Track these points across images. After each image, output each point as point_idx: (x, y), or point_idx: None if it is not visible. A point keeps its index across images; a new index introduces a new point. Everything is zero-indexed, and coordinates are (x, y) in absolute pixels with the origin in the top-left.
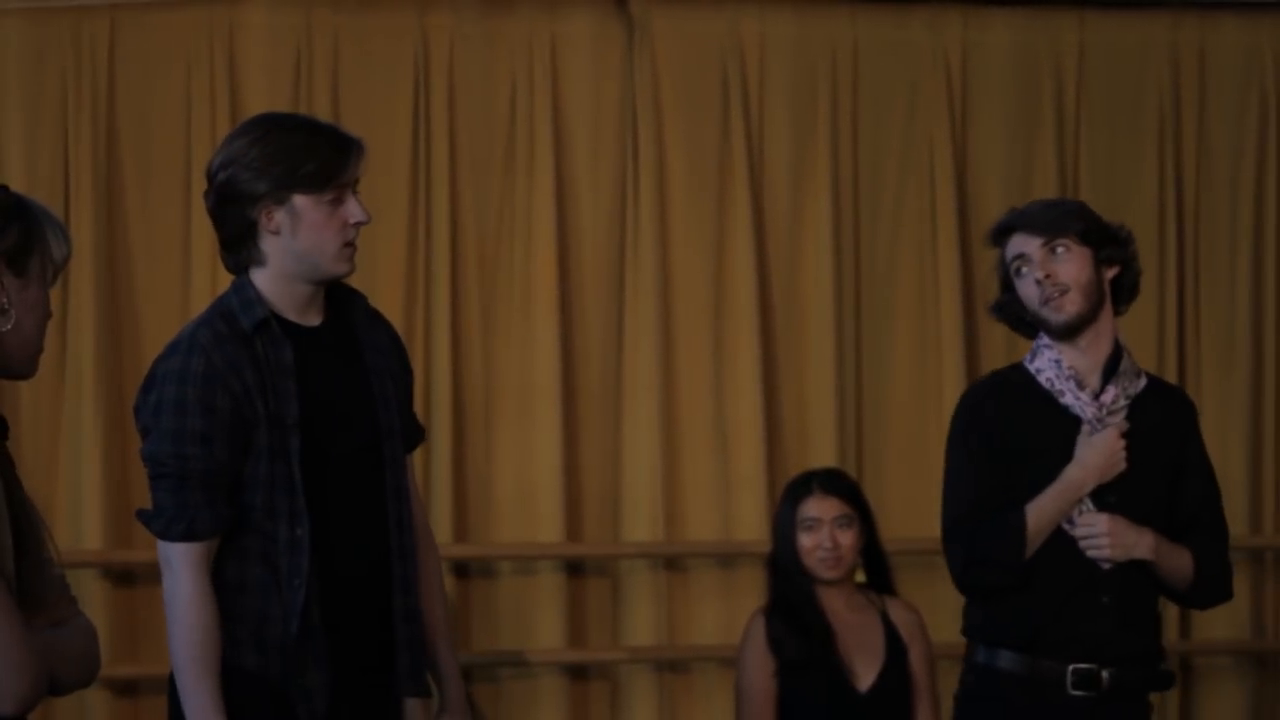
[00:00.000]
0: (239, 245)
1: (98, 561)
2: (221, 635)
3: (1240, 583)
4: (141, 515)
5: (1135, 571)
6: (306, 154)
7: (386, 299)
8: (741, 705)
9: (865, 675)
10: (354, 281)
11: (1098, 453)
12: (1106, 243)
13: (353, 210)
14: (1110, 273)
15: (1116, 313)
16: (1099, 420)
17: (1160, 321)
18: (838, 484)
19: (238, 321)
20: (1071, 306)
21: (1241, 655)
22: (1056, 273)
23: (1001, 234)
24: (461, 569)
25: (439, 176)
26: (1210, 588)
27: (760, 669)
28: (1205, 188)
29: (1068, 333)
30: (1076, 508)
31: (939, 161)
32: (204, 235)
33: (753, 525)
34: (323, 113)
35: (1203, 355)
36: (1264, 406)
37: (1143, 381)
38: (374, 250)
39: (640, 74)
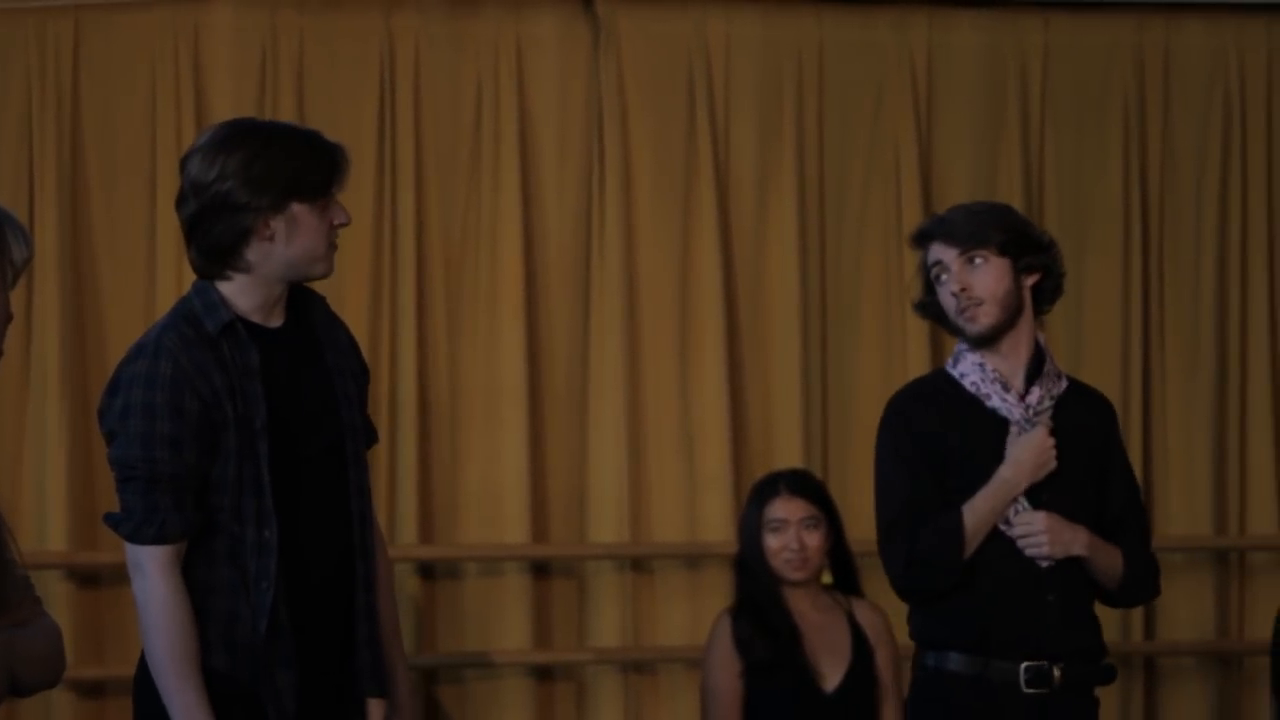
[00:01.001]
0: (225, 253)
1: (62, 563)
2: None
3: (1204, 584)
4: (110, 519)
5: (1073, 569)
6: (307, 164)
7: (352, 300)
8: (708, 706)
9: (831, 676)
10: (318, 281)
11: (1029, 451)
12: (1026, 251)
13: (338, 213)
14: (1030, 280)
15: (1040, 313)
16: (1027, 421)
17: (1125, 322)
18: (804, 485)
19: (202, 325)
20: (986, 319)
21: (1206, 656)
22: (972, 285)
23: (922, 239)
24: (427, 570)
25: (404, 178)
26: (1139, 586)
27: (726, 670)
28: (1170, 188)
29: (983, 342)
30: (1012, 507)
31: (904, 162)
32: (169, 236)
33: (719, 526)
34: (288, 114)
35: (1167, 357)
36: (1228, 407)
37: (1064, 383)
38: (339, 252)
39: (606, 75)
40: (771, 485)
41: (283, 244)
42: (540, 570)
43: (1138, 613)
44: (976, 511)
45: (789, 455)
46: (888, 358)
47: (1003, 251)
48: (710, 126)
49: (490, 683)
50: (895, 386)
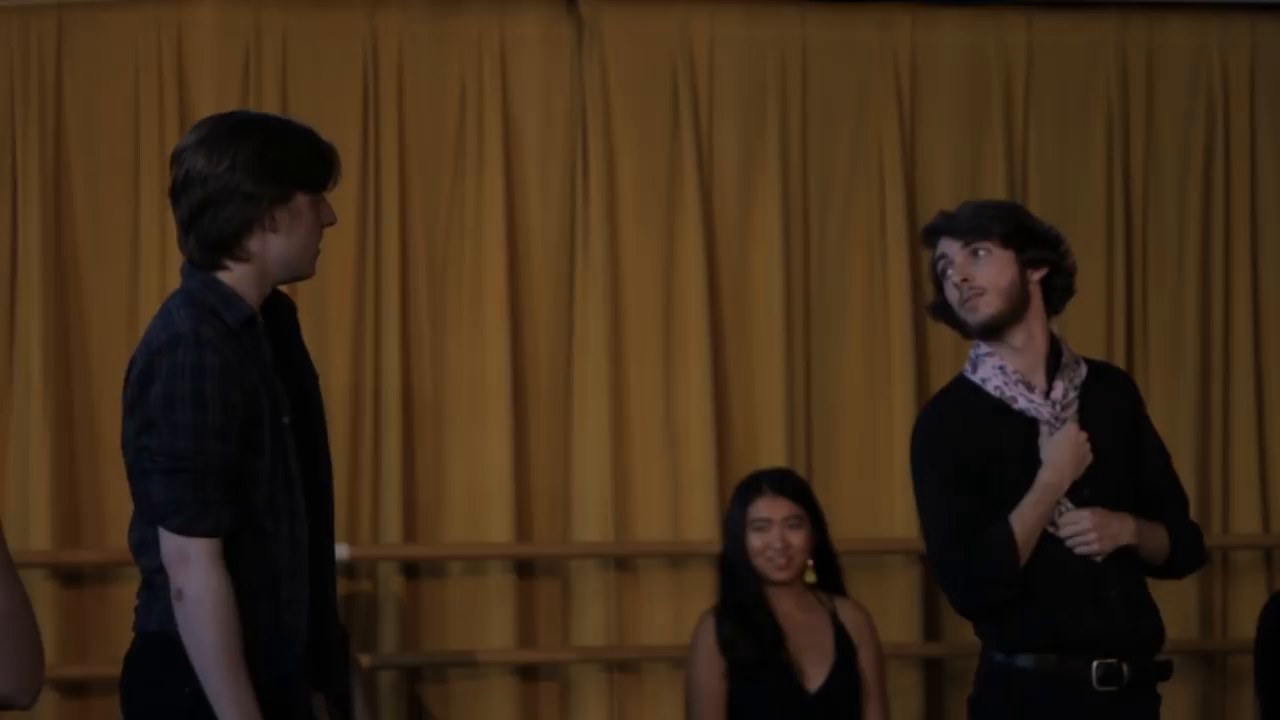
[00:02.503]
0: (227, 243)
1: (46, 562)
2: None
3: (1188, 582)
4: (154, 511)
5: (1127, 559)
6: (311, 157)
7: (336, 299)
8: (691, 705)
9: (815, 675)
10: (303, 282)
11: (1065, 451)
12: (1030, 245)
13: (327, 212)
14: (1036, 274)
15: (1053, 313)
16: (1056, 419)
17: (1108, 321)
18: (788, 485)
19: (222, 318)
20: (986, 308)
21: (1190, 655)
22: (974, 276)
23: (930, 235)
24: (411, 569)
25: (388, 177)
26: (1188, 556)
27: (710, 669)
28: (1153, 187)
29: (986, 333)
30: (1056, 509)
31: (888, 161)
32: (152, 235)
33: (703, 525)
34: (272, 112)
35: (1151, 355)
36: (1212, 405)
37: (1084, 369)
38: (323, 251)
39: (590, 75)
40: (755, 485)
41: (284, 235)
42: (524, 569)
43: None
44: (1025, 520)
45: (772, 455)
46: (871, 357)
47: (1006, 244)
48: (694, 126)
49: (474, 682)
50: (879, 386)
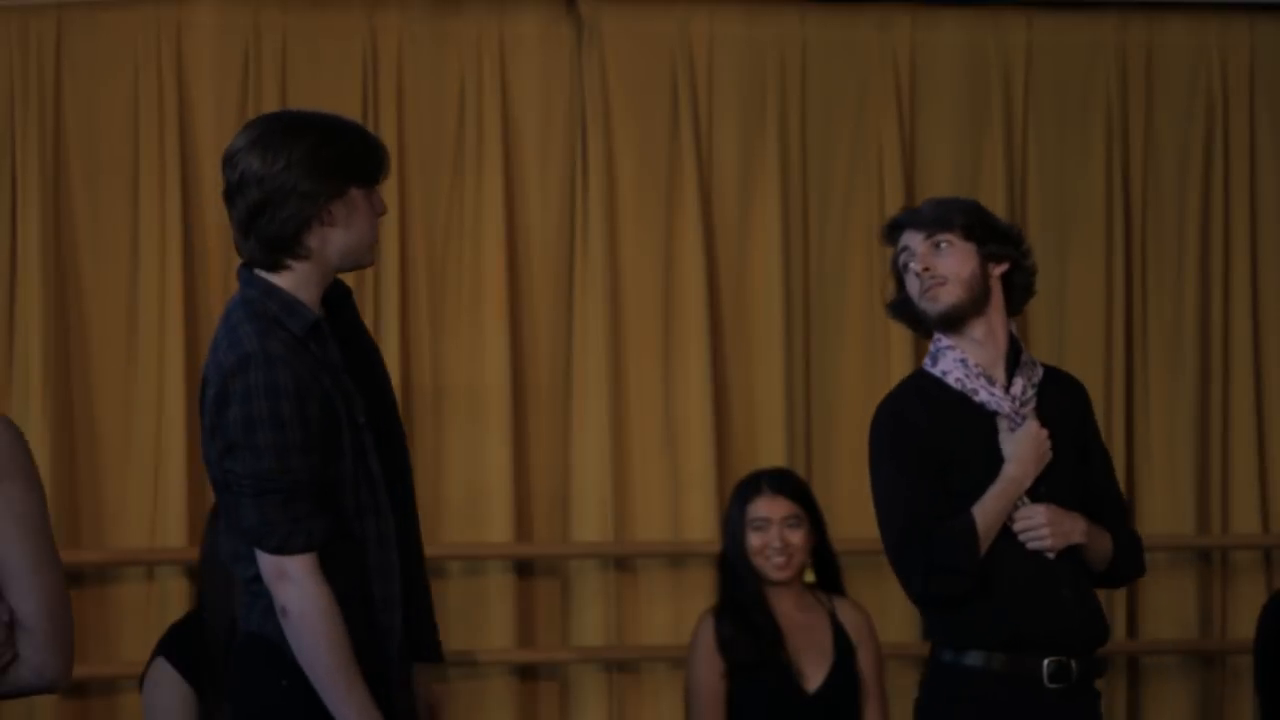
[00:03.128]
0: (287, 241)
1: None
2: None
3: (1187, 582)
4: (248, 535)
5: (1076, 560)
6: (364, 150)
7: None
8: (691, 705)
9: (814, 676)
10: None
11: (1028, 445)
12: (991, 238)
13: (379, 202)
14: (998, 269)
15: (1013, 313)
16: (1016, 414)
17: (1107, 321)
18: (787, 484)
19: (286, 326)
20: (948, 297)
21: (1189, 655)
22: (936, 265)
23: (893, 230)
24: None
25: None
26: (1130, 562)
27: (709, 669)
28: (1153, 187)
29: (946, 324)
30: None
31: (888, 161)
32: (152, 235)
33: (702, 525)
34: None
35: (1150, 355)
36: (1211, 406)
37: (1040, 370)
38: None
39: (589, 74)
40: (754, 484)
41: (343, 229)
42: (523, 569)
43: (1120, 611)
44: (987, 512)
45: (772, 454)
46: (871, 357)
47: (968, 236)
48: (693, 126)
49: (474, 682)
50: (878, 386)
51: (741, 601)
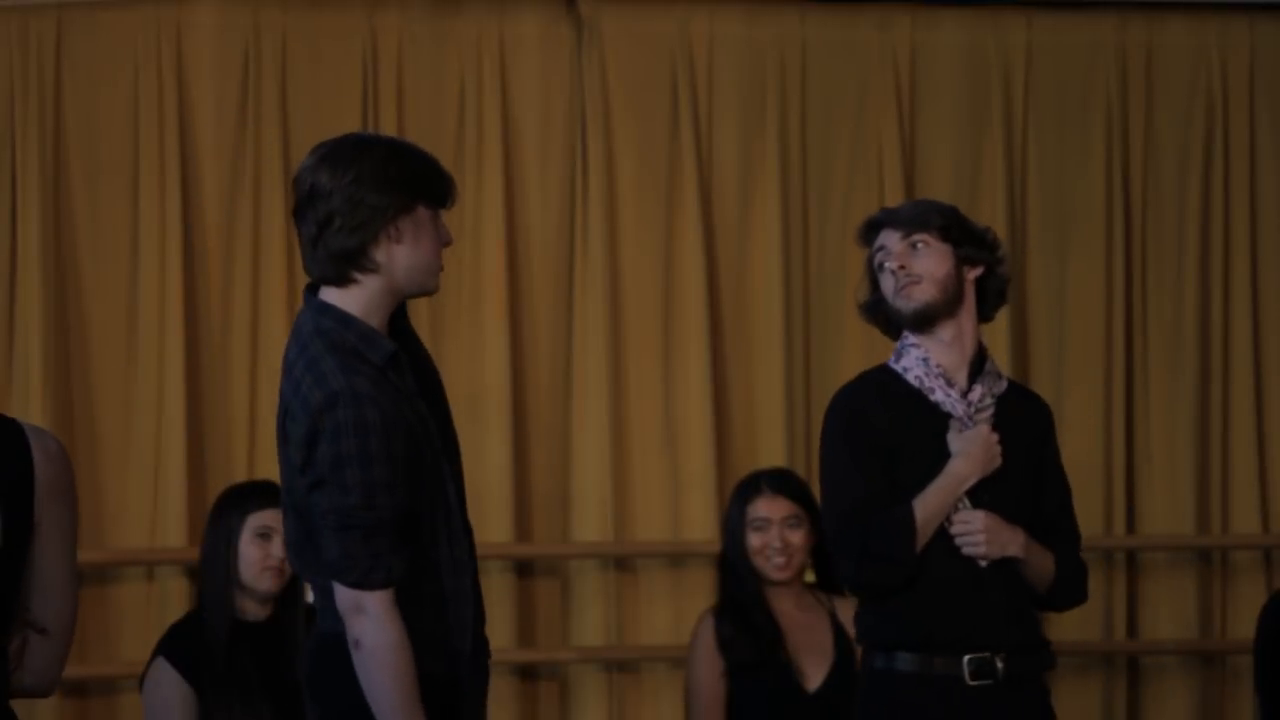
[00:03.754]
0: (354, 254)
1: None
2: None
3: (1187, 582)
4: (328, 568)
5: (1012, 573)
6: (433, 172)
7: None
8: (691, 705)
9: (814, 675)
10: (301, 277)
11: (978, 446)
12: (967, 241)
13: (446, 231)
14: (972, 273)
15: (984, 318)
16: (969, 417)
17: (1107, 321)
18: (787, 484)
19: (366, 359)
20: (921, 295)
21: (1189, 655)
22: (912, 264)
23: (870, 230)
24: None
25: None
26: (1068, 589)
27: (709, 669)
28: (1152, 187)
29: (919, 322)
30: (954, 506)
31: (888, 161)
32: (152, 235)
33: (702, 525)
34: (271, 113)
35: (1150, 356)
36: (1211, 407)
37: (1004, 384)
38: None
39: (589, 75)
40: (754, 484)
41: (409, 246)
42: (523, 569)
43: (1120, 611)
44: (927, 505)
45: (772, 454)
46: (870, 357)
47: (944, 237)
48: (693, 126)
49: None
50: None
51: (741, 601)
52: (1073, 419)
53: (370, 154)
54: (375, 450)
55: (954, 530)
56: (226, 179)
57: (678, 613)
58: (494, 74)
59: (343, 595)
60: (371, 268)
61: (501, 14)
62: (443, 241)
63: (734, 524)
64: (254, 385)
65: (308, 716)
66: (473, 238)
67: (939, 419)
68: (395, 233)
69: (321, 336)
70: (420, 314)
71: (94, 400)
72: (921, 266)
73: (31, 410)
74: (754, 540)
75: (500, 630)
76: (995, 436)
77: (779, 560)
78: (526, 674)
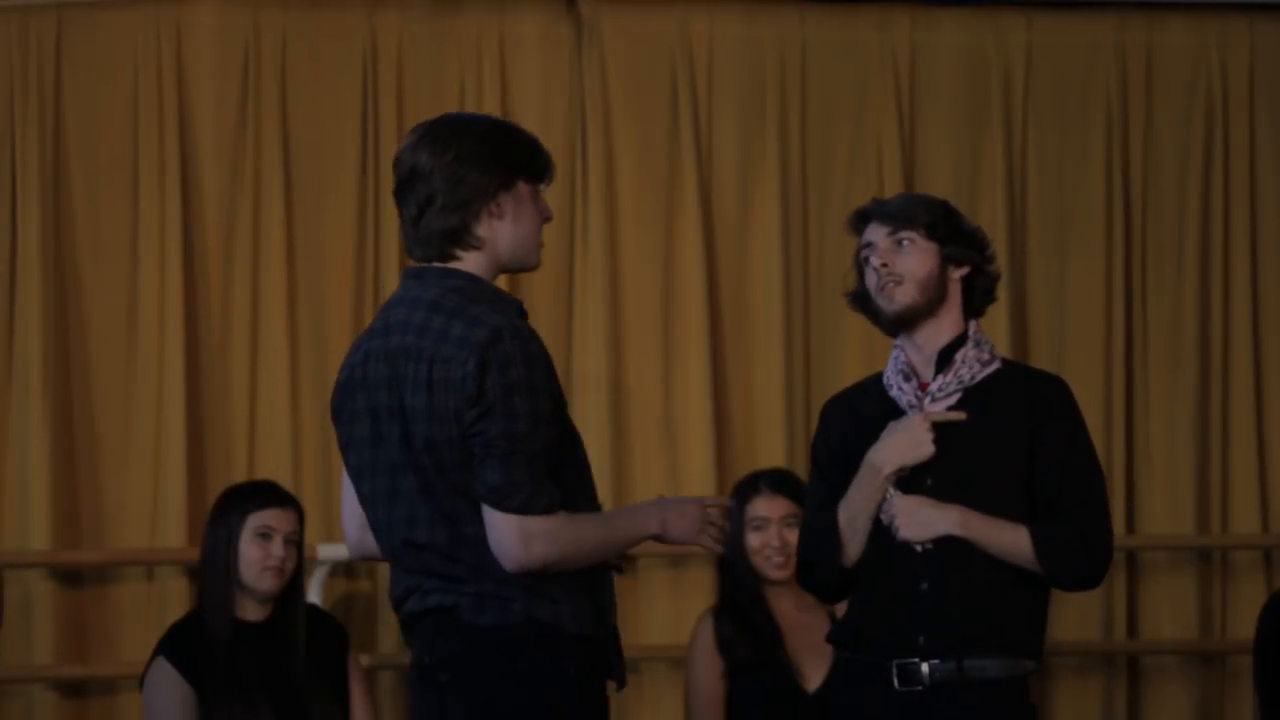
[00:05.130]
0: (458, 230)
1: (45, 562)
2: (564, 608)
3: (1187, 582)
4: (491, 494)
5: (955, 554)
6: (532, 147)
7: (335, 298)
8: (690, 705)
9: (813, 675)
10: (301, 277)
11: (895, 435)
12: (954, 240)
13: (545, 206)
14: (958, 272)
15: (975, 314)
16: (912, 407)
17: (1107, 321)
18: (786, 484)
19: (509, 305)
20: (903, 297)
21: (1189, 655)
22: (895, 263)
23: (860, 220)
24: None
25: (387, 177)
26: (1056, 561)
27: (709, 670)
28: (1152, 188)
29: (898, 324)
30: (884, 494)
31: (887, 161)
32: (152, 235)
33: None
34: (271, 112)
35: (1150, 356)
36: (1211, 406)
37: (993, 369)
38: (322, 250)
39: (589, 75)
40: (753, 484)
41: (511, 222)
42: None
43: (1120, 611)
44: (849, 504)
45: (772, 455)
46: (870, 357)
47: (930, 235)
48: (693, 126)
49: None
50: None
51: (741, 601)
52: None
53: (470, 132)
54: (539, 382)
55: (883, 519)
56: (226, 179)
57: (677, 613)
58: (494, 74)
59: (506, 526)
60: (475, 244)
61: (501, 14)
62: (543, 217)
63: (733, 524)
64: (254, 385)
65: (449, 714)
66: None
67: (898, 415)
68: (497, 209)
69: (455, 293)
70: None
71: (94, 400)
72: (904, 266)
73: (31, 410)
74: (753, 540)
75: None
76: (924, 426)
77: (778, 560)
78: None
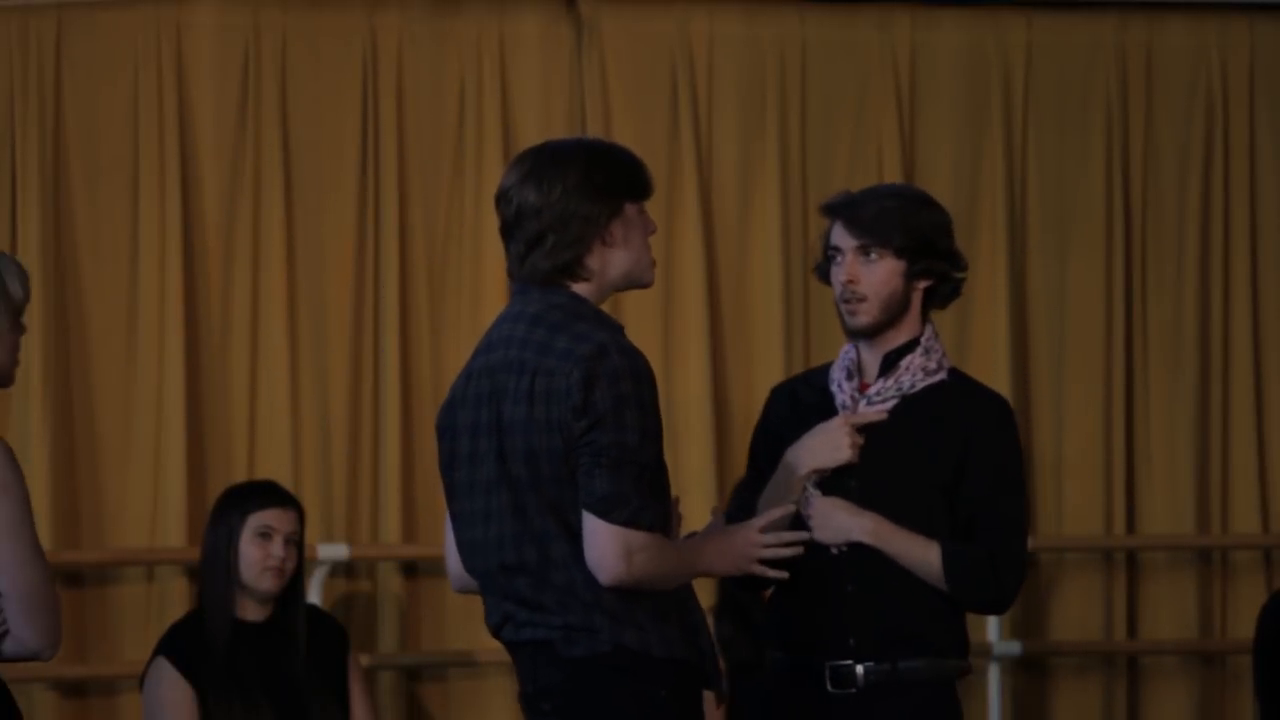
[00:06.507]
0: (570, 264)
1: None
2: (650, 634)
3: (1187, 582)
4: (599, 504)
5: (874, 557)
6: (634, 167)
7: (335, 299)
8: None
9: None
10: (301, 277)
11: (818, 436)
12: (924, 257)
13: (650, 221)
14: (924, 283)
15: (938, 307)
16: (845, 407)
17: (1108, 321)
18: None
19: (612, 323)
20: (864, 316)
21: (1189, 655)
22: (860, 279)
23: (830, 215)
24: (410, 568)
25: (388, 176)
26: (964, 585)
27: None
28: (1152, 187)
29: (859, 336)
30: (801, 492)
31: (887, 161)
32: (152, 235)
33: (701, 524)
34: (271, 113)
35: (1150, 356)
36: (1211, 407)
37: (936, 379)
38: (322, 250)
39: (589, 74)
40: None
41: (622, 248)
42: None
43: (1120, 611)
44: (766, 500)
45: None
46: None
47: (899, 254)
48: (693, 126)
49: (473, 681)
50: None
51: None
52: (1073, 419)
53: (572, 166)
54: (647, 398)
55: (804, 518)
56: (226, 179)
57: None
58: (494, 74)
59: (609, 538)
60: (585, 275)
61: (501, 14)
62: (648, 231)
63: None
64: (254, 385)
65: None
66: (472, 238)
67: (835, 412)
68: (609, 237)
69: (558, 309)
70: (420, 313)
71: (94, 400)
72: (868, 284)
73: (31, 410)
74: None
75: None
76: (845, 429)
77: None
78: None
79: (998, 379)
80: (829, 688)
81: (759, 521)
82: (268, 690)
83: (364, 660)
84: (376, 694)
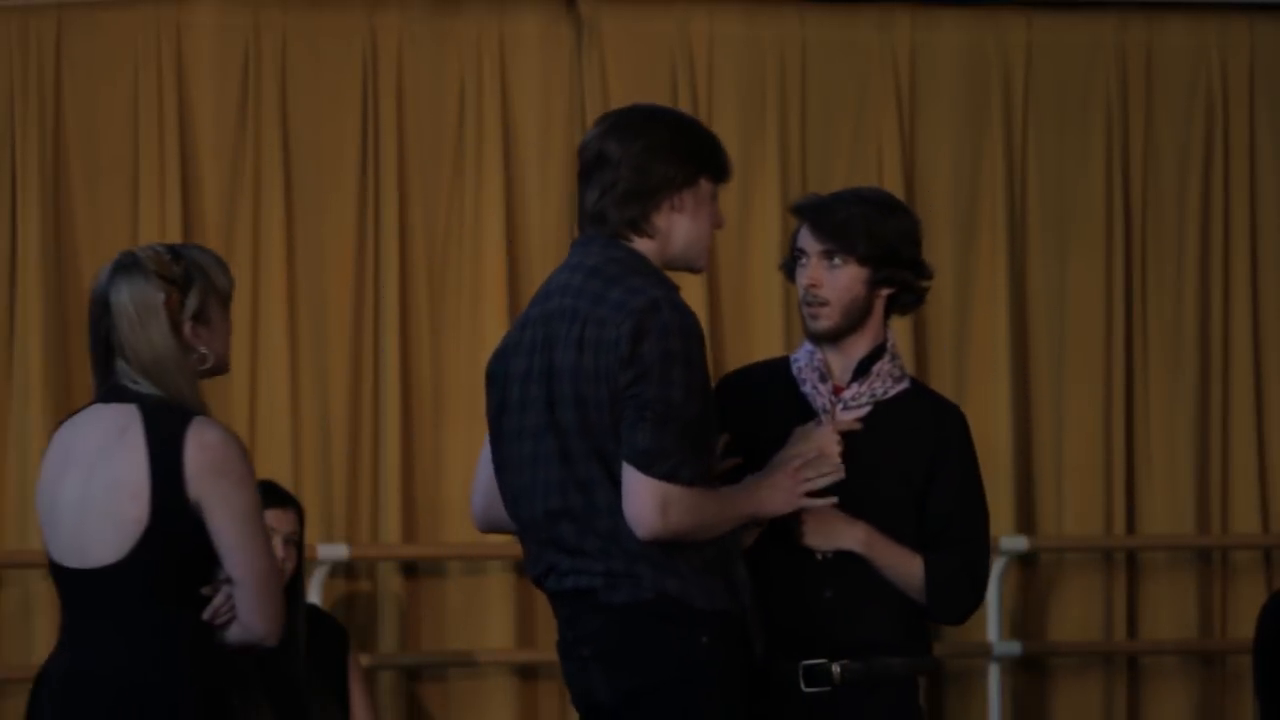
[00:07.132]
0: (637, 220)
1: (45, 562)
2: (692, 584)
3: (1187, 582)
4: (640, 457)
5: (856, 563)
6: (717, 148)
7: (335, 297)
8: None
9: None
10: (301, 277)
11: (809, 442)
12: (888, 265)
13: (719, 214)
14: (886, 290)
15: (899, 314)
16: (825, 411)
17: (1108, 321)
18: None
19: (668, 281)
20: (827, 321)
21: (1189, 654)
22: (822, 284)
23: (798, 216)
24: (410, 568)
25: (388, 176)
26: (941, 598)
27: None
28: (1152, 187)
29: (820, 340)
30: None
31: (887, 162)
32: (152, 234)
33: None
34: (271, 112)
35: (1150, 356)
36: (1211, 407)
37: (902, 386)
38: (322, 249)
39: (589, 74)
40: None
41: (689, 217)
42: (524, 569)
43: (1120, 611)
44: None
45: None
46: None
47: (863, 262)
48: None
49: (474, 681)
50: None
51: None
52: (1073, 419)
53: (659, 124)
54: (695, 356)
55: (789, 522)
56: (226, 179)
57: None
58: (494, 74)
59: (646, 491)
60: (650, 233)
61: (501, 14)
62: (715, 223)
63: None
64: (254, 385)
65: (599, 691)
66: (472, 236)
67: (807, 412)
68: (679, 202)
69: (616, 262)
70: (420, 313)
71: None
72: (831, 290)
73: (31, 410)
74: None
75: (500, 630)
76: (834, 439)
77: None
78: (526, 674)
79: (998, 379)
80: (803, 687)
81: (795, 462)
82: (268, 690)
83: (364, 660)
84: (376, 694)
